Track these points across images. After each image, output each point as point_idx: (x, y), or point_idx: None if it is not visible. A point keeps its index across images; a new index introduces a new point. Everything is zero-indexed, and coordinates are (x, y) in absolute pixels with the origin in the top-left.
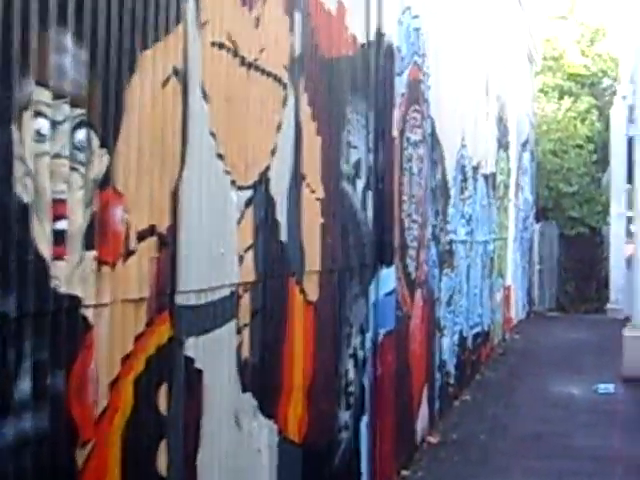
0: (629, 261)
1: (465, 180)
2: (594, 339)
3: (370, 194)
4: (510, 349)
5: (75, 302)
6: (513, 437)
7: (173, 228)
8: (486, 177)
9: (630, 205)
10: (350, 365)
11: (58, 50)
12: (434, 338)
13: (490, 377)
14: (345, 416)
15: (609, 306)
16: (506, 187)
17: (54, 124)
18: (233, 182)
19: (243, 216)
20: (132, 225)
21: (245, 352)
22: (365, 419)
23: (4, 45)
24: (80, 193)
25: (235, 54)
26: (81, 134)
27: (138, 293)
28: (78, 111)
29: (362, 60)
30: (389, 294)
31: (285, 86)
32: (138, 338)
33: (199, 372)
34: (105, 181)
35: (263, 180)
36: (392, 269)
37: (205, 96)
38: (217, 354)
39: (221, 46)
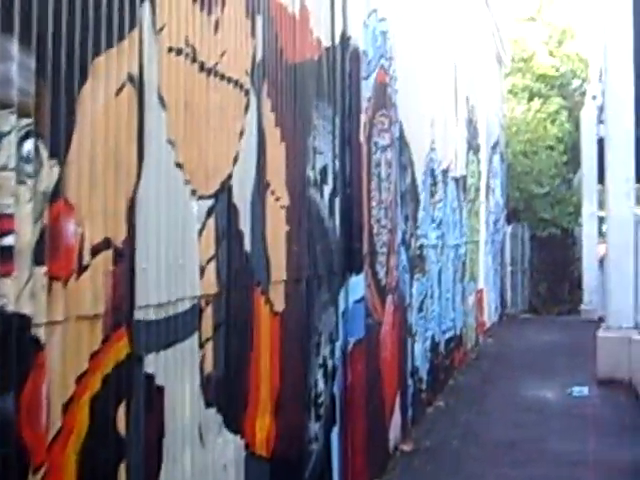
0: (602, 262)
1: (435, 184)
2: (568, 341)
3: (338, 200)
4: (483, 353)
5: (25, 321)
6: (487, 443)
7: (130, 240)
8: (456, 180)
9: (602, 205)
10: (319, 375)
11: (3, 58)
12: (406, 345)
13: (463, 382)
14: (315, 427)
15: (583, 307)
16: (477, 190)
17: None
18: (193, 191)
19: (204, 226)
20: (86, 238)
21: (208, 366)
22: (336, 430)
23: None
24: (29, 206)
25: (194, 59)
26: (29, 145)
27: (93, 309)
28: (25, 121)
29: (327, 64)
30: (358, 302)
31: (247, 92)
32: (93, 356)
33: (160, 389)
34: (56, 193)
35: (225, 189)
36: (361, 276)
37: (162, 103)
38: (179, 369)
39: (179, 51)
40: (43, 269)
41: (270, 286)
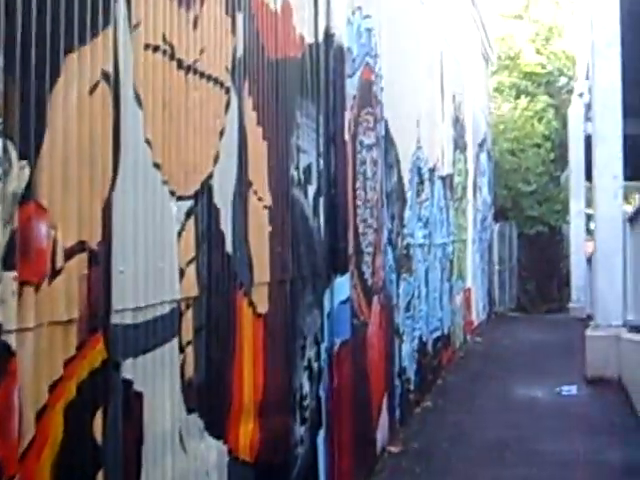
0: (590, 259)
1: (422, 182)
2: (556, 339)
3: (322, 200)
4: (471, 352)
5: None
6: (476, 444)
7: (106, 243)
8: (443, 179)
9: (589, 203)
10: (305, 377)
11: None
12: (393, 345)
13: (452, 382)
14: (301, 431)
15: (571, 305)
16: (464, 188)
17: None
18: (172, 192)
19: (184, 228)
20: (59, 241)
21: (189, 371)
22: (322, 433)
23: None
24: None
25: (172, 57)
26: None
27: (66, 314)
28: None
29: (311, 61)
30: (344, 302)
31: (227, 90)
32: (68, 362)
33: (139, 395)
34: (26, 195)
35: (205, 189)
36: (347, 277)
37: (139, 102)
38: (158, 375)
39: (156, 48)
40: (13, 274)
41: (253, 288)
